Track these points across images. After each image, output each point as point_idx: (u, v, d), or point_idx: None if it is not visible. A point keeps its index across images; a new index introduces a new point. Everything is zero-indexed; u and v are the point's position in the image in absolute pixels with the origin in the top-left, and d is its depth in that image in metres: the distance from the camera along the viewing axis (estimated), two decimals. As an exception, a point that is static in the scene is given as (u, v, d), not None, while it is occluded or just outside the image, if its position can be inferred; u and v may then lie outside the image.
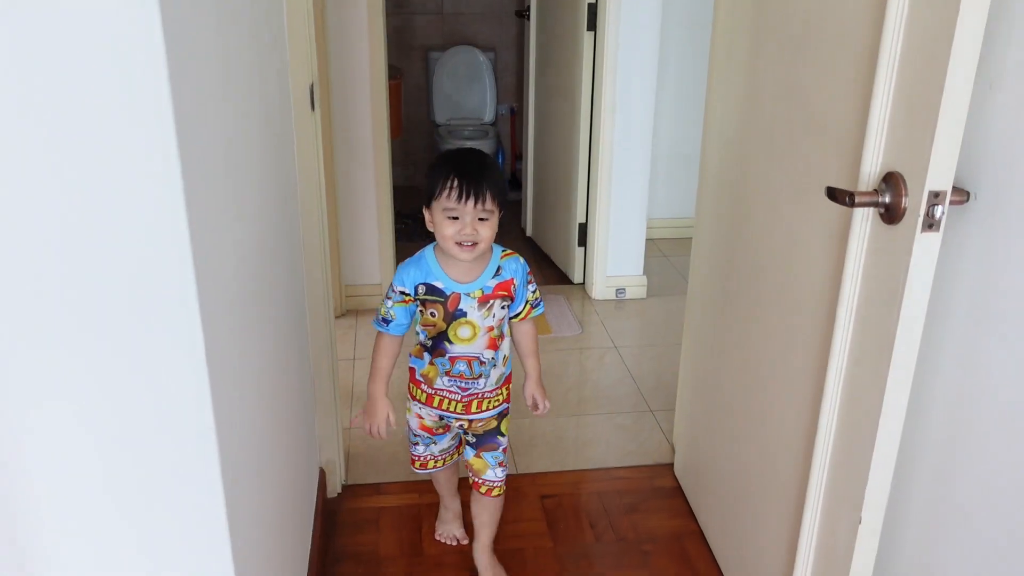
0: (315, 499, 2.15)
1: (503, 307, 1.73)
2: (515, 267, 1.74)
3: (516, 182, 5.35)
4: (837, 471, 1.44)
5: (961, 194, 1.22)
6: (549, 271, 3.94)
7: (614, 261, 3.59)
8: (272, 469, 1.49)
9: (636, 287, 3.65)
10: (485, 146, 4.82)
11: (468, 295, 1.69)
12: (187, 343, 0.94)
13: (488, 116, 5.15)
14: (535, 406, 1.86)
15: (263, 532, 1.38)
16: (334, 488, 2.36)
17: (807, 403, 1.54)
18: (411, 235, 4.31)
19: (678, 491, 2.35)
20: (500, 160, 5.29)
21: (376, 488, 2.38)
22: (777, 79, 1.66)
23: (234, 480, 1.11)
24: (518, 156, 5.37)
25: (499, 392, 1.83)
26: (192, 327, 0.94)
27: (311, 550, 1.96)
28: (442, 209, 1.61)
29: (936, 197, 1.16)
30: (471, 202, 1.59)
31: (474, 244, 1.62)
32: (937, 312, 1.29)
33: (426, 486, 2.36)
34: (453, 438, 1.93)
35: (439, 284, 1.68)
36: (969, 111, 1.14)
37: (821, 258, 1.48)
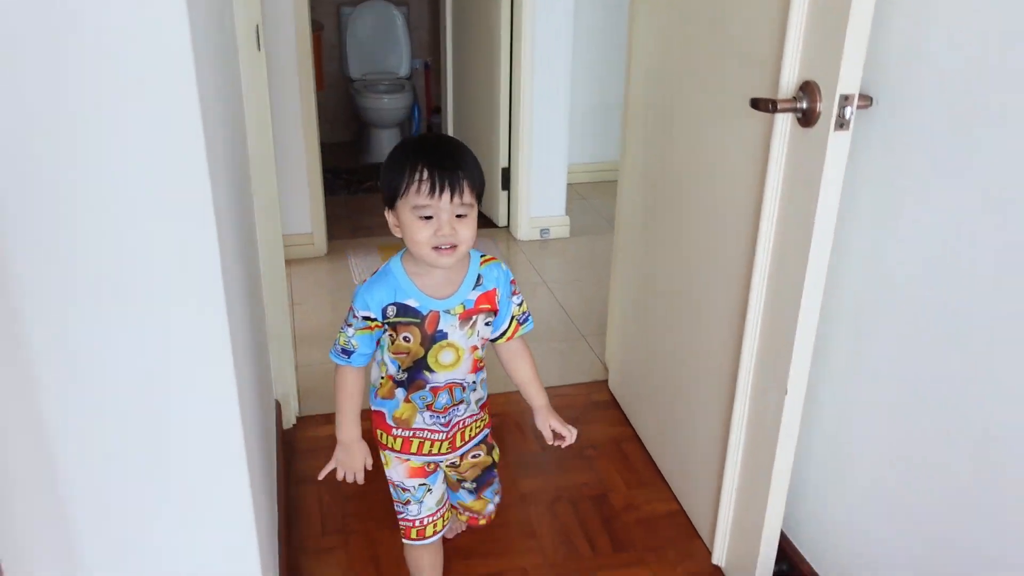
0: (274, 429, 2.26)
1: (487, 323, 1.48)
2: (497, 274, 1.47)
3: (432, 136, 5.44)
4: (765, 352, 1.64)
5: (865, 99, 1.42)
6: (473, 217, 4.08)
7: (537, 202, 3.75)
8: (256, 397, 1.61)
9: (560, 227, 3.82)
10: (401, 100, 4.90)
11: (448, 312, 1.42)
12: (209, 277, 1.08)
13: (403, 71, 5.21)
14: (556, 438, 1.58)
15: (259, 455, 1.52)
16: (289, 420, 2.46)
17: (735, 300, 1.73)
18: (333, 189, 4.38)
19: (613, 403, 2.54)
20: (416, 115, 5.37)
21: (328, 418, 2.47)
22: (698, 8, 1.82)
23: (244, 412, 1.24)
24: (435, 110, 5.46)
25: (480, 416, 1.60)
26: (213, 261, 1.07)
27: (277, 474, 2.08)
28: (411, 208, 1.33)
29: (846, 100, 1.34)
30: (446, 195, 1.31)
31: (453, 247, 1.34)
32: (847, 202, 1.49)
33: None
34: (443, 479, 1.65)
35: (413, 303, 1.41)
36: (871, 32, 1.33)
37: (744, 168, 1.66)
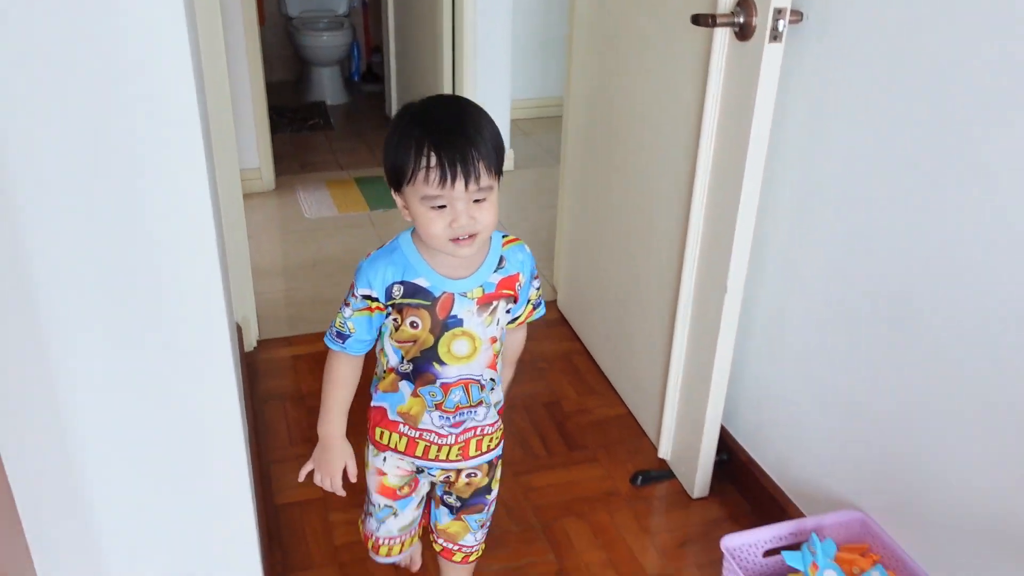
0: (237, 351, 2.33)
1: (507, 310, 1.29)
2: (522, 258, 1.29)
3: (373, 75, 5.44)
4: (706, 255, 1.77)
5: (797, 14, 1.54)
6: (419, 153, 4.14)
7: (482, 136, 3.82)
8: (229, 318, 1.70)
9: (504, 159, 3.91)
10: (341, 38, 4.89)
11: (464, 295, 1.23)
12: (201, 213, 1.17)
13: (342, 8, 5.19)
14: None
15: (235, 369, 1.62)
16: (249, 343, 2.54)
17: (678, 210, 1.85)
18: (277, 127, 4.37)
19: (563, 321, 2.67)
20: (355, 53, 5.37)
21: (287, 340, 2.58)
22: (642, -66, 1.92)
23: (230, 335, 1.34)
24: (374, 48, 5.45)
25: (498, 426, 1.39)
26: (203, 196, 1.16)
27: (243, 392, 2.16)
28: (420, 198, 1.14)
29: (779, 13, 1.46)
30: (460, 184, 1.11)
31: (473, 236, 1.15)
32: (781, 113, 1.62)
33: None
34: (419, 505, 1.46)
35: (423, 282, 1.22)
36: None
37: (685, 84, 1.77)
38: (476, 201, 1.14)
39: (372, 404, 1.37)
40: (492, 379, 1.32)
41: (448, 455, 1.34)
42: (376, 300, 1.24)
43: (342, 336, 1.27)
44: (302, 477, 1.37)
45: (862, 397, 1.57)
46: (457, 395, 1.29)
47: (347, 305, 1.26)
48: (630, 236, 2.14)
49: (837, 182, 1.56)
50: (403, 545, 1.48)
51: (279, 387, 2.37)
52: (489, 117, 1.17)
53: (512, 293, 1.28)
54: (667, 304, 1.96)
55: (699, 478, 1.94)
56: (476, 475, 1.41)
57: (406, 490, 1.41)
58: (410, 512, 1.44)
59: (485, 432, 1.36)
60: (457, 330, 1.24)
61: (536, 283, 1.34)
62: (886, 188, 1.44)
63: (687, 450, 1.97)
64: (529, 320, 1.37)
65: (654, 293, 2.03)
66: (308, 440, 2.14)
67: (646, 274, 2.07)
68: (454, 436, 1.33)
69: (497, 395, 1.36)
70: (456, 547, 1.48)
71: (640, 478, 2.01)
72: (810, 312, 1.67)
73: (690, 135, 1.76)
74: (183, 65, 1.07)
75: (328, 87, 5.04)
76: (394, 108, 4.51)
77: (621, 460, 2.08)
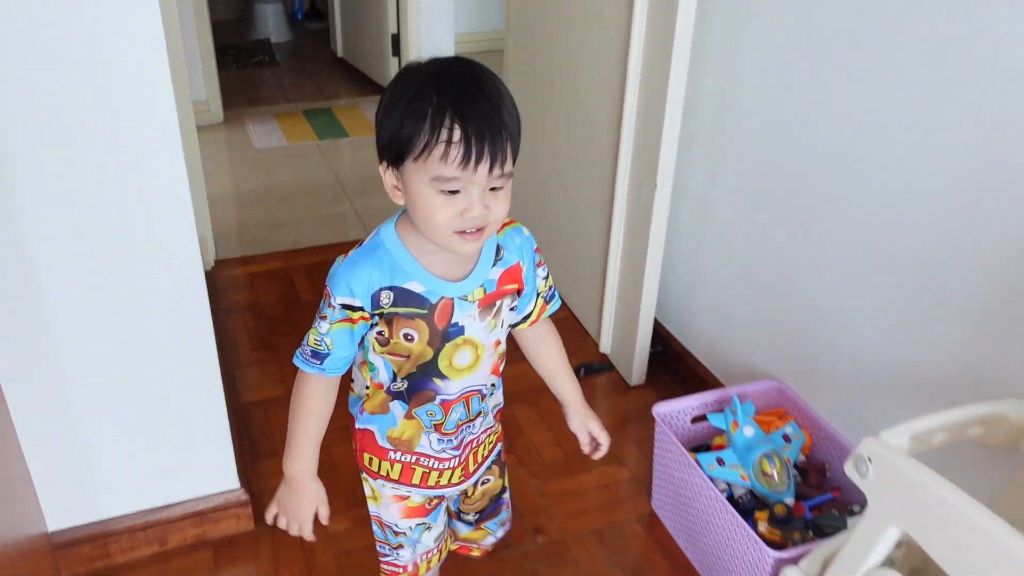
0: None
1: (512, 308, 1.11)
2: (519, 242, 1.10)
3: (316, 12, 5.45)
4: (638, 154, 1.91)
5: (716, -76, 1.67)
6: (364, 85, 4.22)
7: (427, 67, 3.89)
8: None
9: (449, 90, 3.99)
10: (284, -26, 4.89)
11: (464, 299, 1.04)
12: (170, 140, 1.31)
13: (283, -56, 5.18)
14: (593, 445, 1.24)
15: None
16: (208, 263, 2.63)
17: (612, 114, 1.98)
18: (223, 64, 4.39)
19: (509, 236, 2.80)
20: (299, -9, 5.36)
21: (244, 260, 2.68)
22: None
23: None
24: (316, -14, 5.46)
25: (494, 428, 1.23)
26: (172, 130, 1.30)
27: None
28: (430, 179, 0.92)
29: (699, -79, 1.59)
30: (483, 168, 0.91)
31: (481, 230, 0.96)
32: (704, 15, 1.75)
33: (292, 254, 2.70)
34: (445, 511, 1.29)
35: (416, 287, 1.01)
36: None
37: (612, 5, 1.90)
38: (492, 189, 0.94)
39: (357, 426, 1.17)
40: (493, 384, 1.15)
41: (451, 479, 1.18)
42: (360, 309, 1.01)
43: (319, 355, 1.04)
44: (269, 519, 1.13)
45: (776, 277, 1.74)
46: (458, 411, 1.11)
47: (323, 319, 1.03)
48: (568, 143, 2.27)
49: (754, 80, 1.70)
50: (441, 553, 1.29)
51: (239, 301, 2.47)
52: (509, 93, 0.96)
53: (518, 285, 1.09)
54: (603, 207, 2.10)
55: (636, 367, 2.11)
56: (489, 480, 1.28)
57: (435, 501, 1.23)
58: (442, 520, 1.27)
59: (480, 441, 1.19)
60: (459, 339, 1.05)
61: (542, 271, 1.15)
62: (796, 83, 1.59)
63: (625, 343, 2.13)
64: (543, 316, 1.17)
65: (591, 198, 2.17)
66: (268, 347, 2.26)
67: (584, 180, 2.20)
68: (457, 458, 1.17)
69: (496, 398, 1.19)
70: (475, 546, 1.37)
71: (583, 370, 2.17)
72: (731, 203, 1.83)
73: (621, 39, 1.88)
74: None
75: (272, 25, 5.05)
76: (340, 45, 4.55)
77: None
